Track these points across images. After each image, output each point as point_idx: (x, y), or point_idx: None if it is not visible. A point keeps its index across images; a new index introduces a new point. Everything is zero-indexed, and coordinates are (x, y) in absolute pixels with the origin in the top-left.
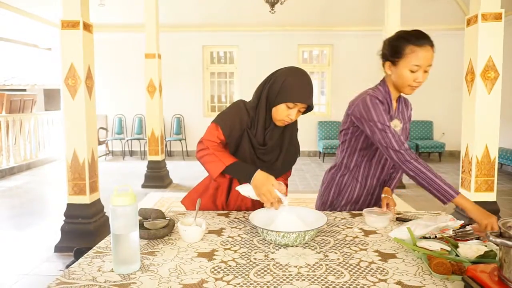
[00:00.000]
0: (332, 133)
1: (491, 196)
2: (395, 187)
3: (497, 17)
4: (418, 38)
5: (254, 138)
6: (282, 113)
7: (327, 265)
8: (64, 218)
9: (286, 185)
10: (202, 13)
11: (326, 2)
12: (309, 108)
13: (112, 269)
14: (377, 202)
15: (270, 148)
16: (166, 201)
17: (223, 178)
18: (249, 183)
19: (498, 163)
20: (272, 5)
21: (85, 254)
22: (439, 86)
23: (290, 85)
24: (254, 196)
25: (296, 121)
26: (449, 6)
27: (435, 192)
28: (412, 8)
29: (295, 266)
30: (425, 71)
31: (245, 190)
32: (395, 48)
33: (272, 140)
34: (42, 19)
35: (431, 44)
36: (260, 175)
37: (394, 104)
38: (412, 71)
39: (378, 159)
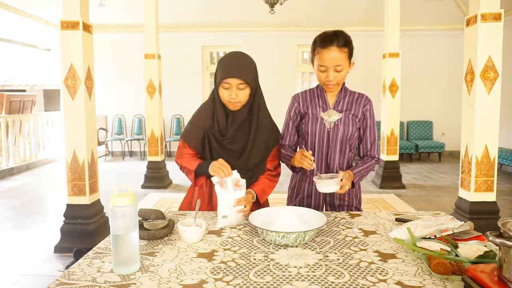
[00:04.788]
0: None
1: (490, 196)
2: (359, 177)
3: (497, 17)
4: (323, 40)
5: (216, 133)
6: (223, 95)
7: (327, 265)
8: (63, 218)
9: (273, 186)
10: (202, 13)
11: (326, 2)
12: (252, 85)
13: (111, 269)
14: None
15: (233, 136)
16: (166, 201)
17: (202, 179)
18: (210, 172)
19: (498, 163)
20: (272, 5)
21: (85, 255)
22: (439, 86)
23: (220, 66)
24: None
25: (262, 103)
26: (448, 6)
27: (287, 160)
28: (412, 8)
29: (295, 267)
30: (336, 71)
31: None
32: (311, 49)
33: (233, 127)
34: (41, 20)
35: (338, 44)
36: (213, 162)
37: (332, 97)
38: (320, 71)
39: (311, 148)
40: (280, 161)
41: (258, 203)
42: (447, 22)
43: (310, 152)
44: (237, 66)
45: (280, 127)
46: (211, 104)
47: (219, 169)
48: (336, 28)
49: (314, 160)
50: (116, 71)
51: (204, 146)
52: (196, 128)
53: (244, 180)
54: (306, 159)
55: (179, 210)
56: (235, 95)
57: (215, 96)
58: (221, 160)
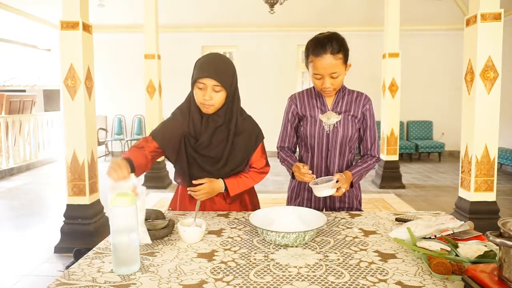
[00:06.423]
0: None
1: (490, 196)
2: (358, 177)
3: (497, 17)
4: (315, 47)
5: (191, 137)
6: (198, 96)
7: (327, 265)
8: (63, 219)
9: (250, 183)
10: (201, 13)
11: (326, 2)
12: (228, 89)
13: (111, 269)
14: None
15: (208, 141)
16: (166, 201)
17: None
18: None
19: (498, 163)
20: (272, 5)
21: (85, 255)
22: (439, 86)
23: (196, 65)
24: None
25: (239, 109)
26: (448, 6)
27: (286, 166)
28: (412, 8)
29: (295, 267)
30: (332, 77)
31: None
32: (304, 55)
33: (207, 132)
34: (41, 20)
35: (332, 51)
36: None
37: (330, 98)
38: (316, 79)
39: (311, 151)
40: (268, 160)
41: (247, 204)
42: (447, 22)
43: (307, 167)
44: (213, 66)
45: (279, 128)
46: (187, 107)
47: (112, 169)
48: (336, 28)
49: (313, 173)
50: (116, 71)
51: (180, 151)
52: (170, 131)
53: (144, 188)
54: (305, 175)
55: (168, 207)
56: (209, 96)
57: (191, 98)
58: (119, 161)
